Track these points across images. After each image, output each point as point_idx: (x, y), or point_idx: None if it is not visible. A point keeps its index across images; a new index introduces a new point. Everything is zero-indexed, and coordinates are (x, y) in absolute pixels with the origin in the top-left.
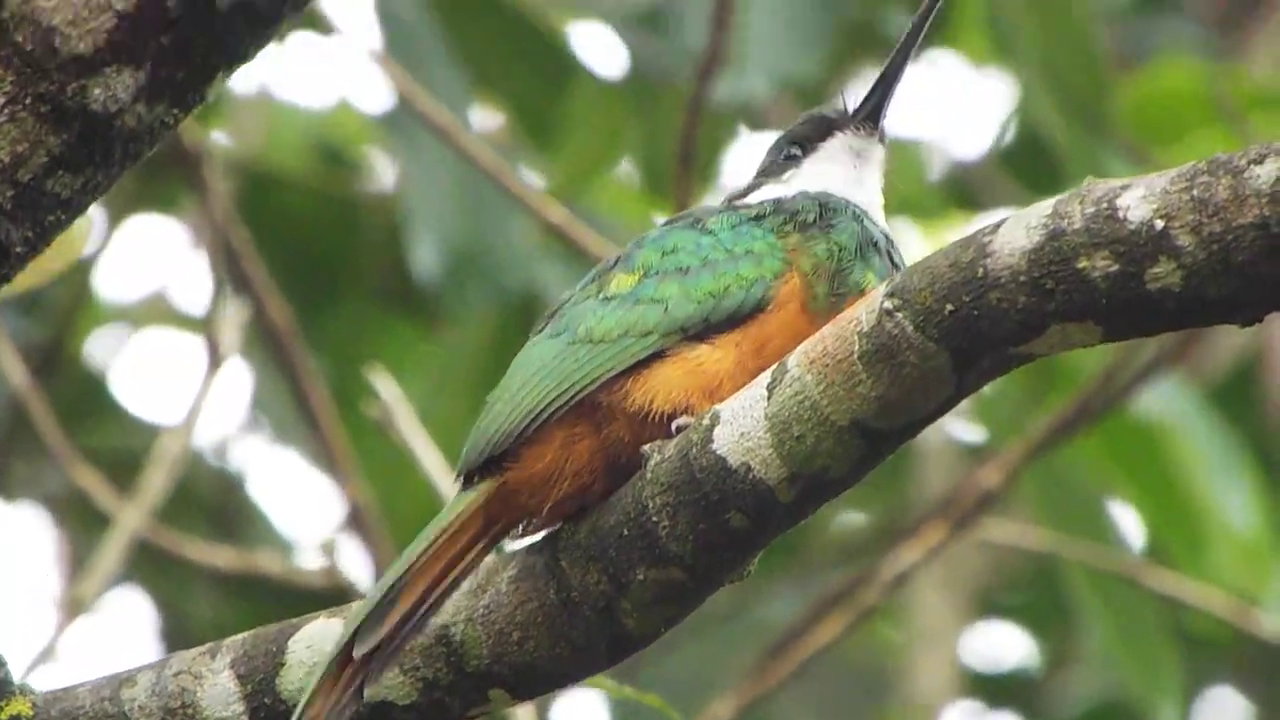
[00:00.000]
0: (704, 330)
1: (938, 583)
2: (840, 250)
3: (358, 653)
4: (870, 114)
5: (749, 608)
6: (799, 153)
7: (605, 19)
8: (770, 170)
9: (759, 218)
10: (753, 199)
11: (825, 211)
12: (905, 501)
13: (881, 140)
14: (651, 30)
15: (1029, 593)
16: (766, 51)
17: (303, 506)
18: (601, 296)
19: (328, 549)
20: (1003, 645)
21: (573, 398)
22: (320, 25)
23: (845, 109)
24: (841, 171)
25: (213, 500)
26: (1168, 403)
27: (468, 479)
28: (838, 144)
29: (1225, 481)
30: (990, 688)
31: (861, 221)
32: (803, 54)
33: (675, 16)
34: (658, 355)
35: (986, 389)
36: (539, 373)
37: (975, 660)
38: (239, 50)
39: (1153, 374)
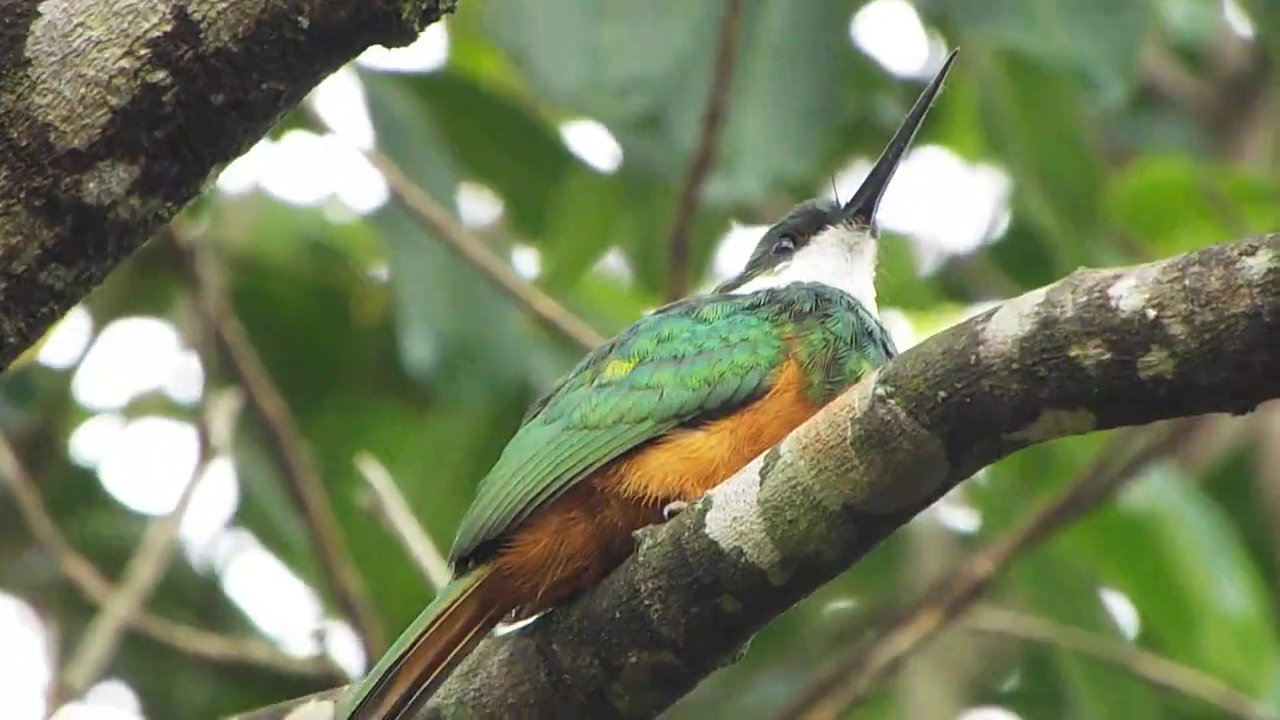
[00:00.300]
0: (699, 417)
1: (930, 670)
2: (836, 339)
3: None
4: (862, 208)
5: (740, 693)
6: (790, 245)
7: (598, 120)
8: (761, 262)
9: (754, 306)
10: (745, 289)
11: (820, 301)
12: (898, 588)
13: (873, 234)
14: (644, 132)
15: (1022, 680)
16: (759, 152)
17: (288, 601)
18: (596, 384)
19: (319, 635)
20: None
21: (568, 483)
22: (312, 124)
23: (837, 202)
24: (832, 264)
25: (199, 595)
26: (1161, 492)
27: (461, 564)
28: (829, 237)
29: (1218, 569)
30: None
31: (856, 311)
32: (795, 155)
33: (668, 118)
34: (652, 441)
35: (980, 476)
36: (534, 459)
37: None
38: (233, 145)
39: (1146, 463)
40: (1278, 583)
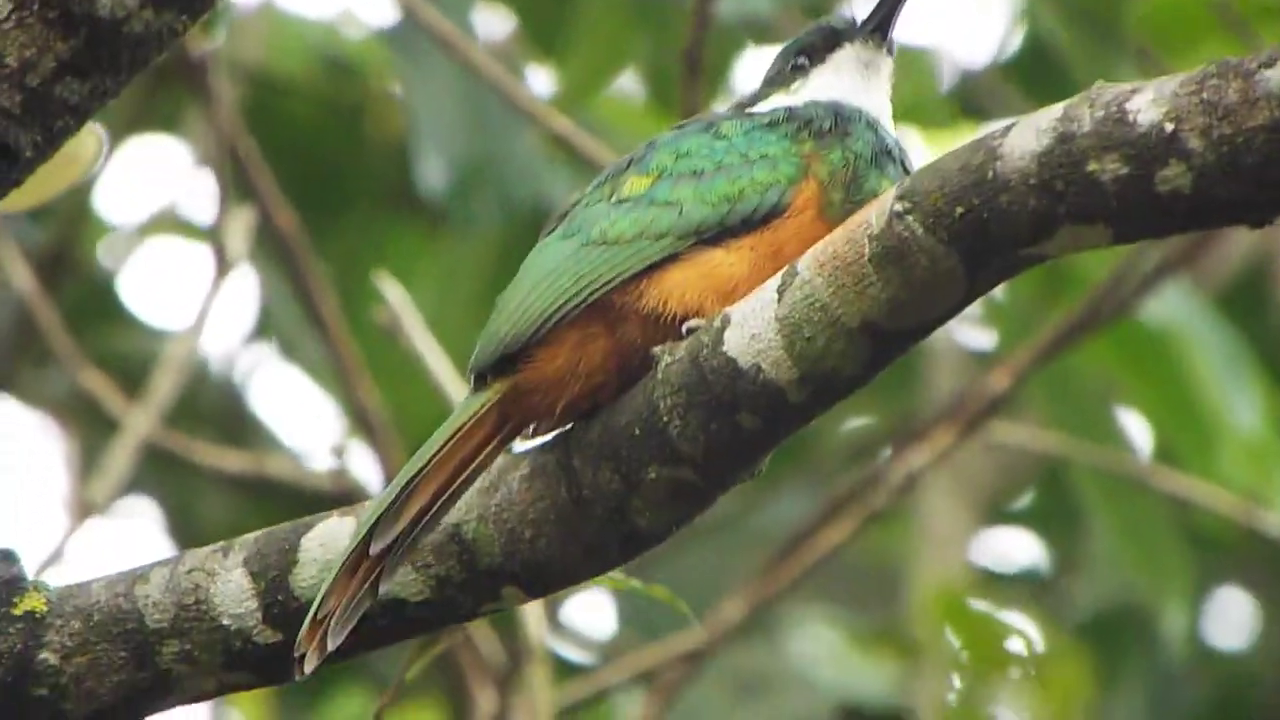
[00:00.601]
0: (719, 234)
1: (946, 486)
2: (855, 158)
3: (374, 549)
4: (879, 25)
5: (759, 510)
6: (805, 63)
7: None
8: (777, 80)
9: (773, 124)
10: (762, 107)
11: (840, 120)
12: (915, 404)
13: (889, 52)
14: None
15: (1037, 496)
16: None
17: (310, 415)
18: (615, 199)
19: (338, 452)
20: (1012, 549)
21: (587, 299)
22: None
23: (853, 19)
24: (849, 82)
25: (219, 410)
26: (1175, 308)
27: (479, 379)
28: (845, 55)
29: (1232, 384)
30: (1000, 588)
31: (876, 129)
32: None
33: None
34: (672, 258)
35: (996, 293)
36: (552, 273)
37: (985, 562)
38: None
39: (1161, 278)
40: None
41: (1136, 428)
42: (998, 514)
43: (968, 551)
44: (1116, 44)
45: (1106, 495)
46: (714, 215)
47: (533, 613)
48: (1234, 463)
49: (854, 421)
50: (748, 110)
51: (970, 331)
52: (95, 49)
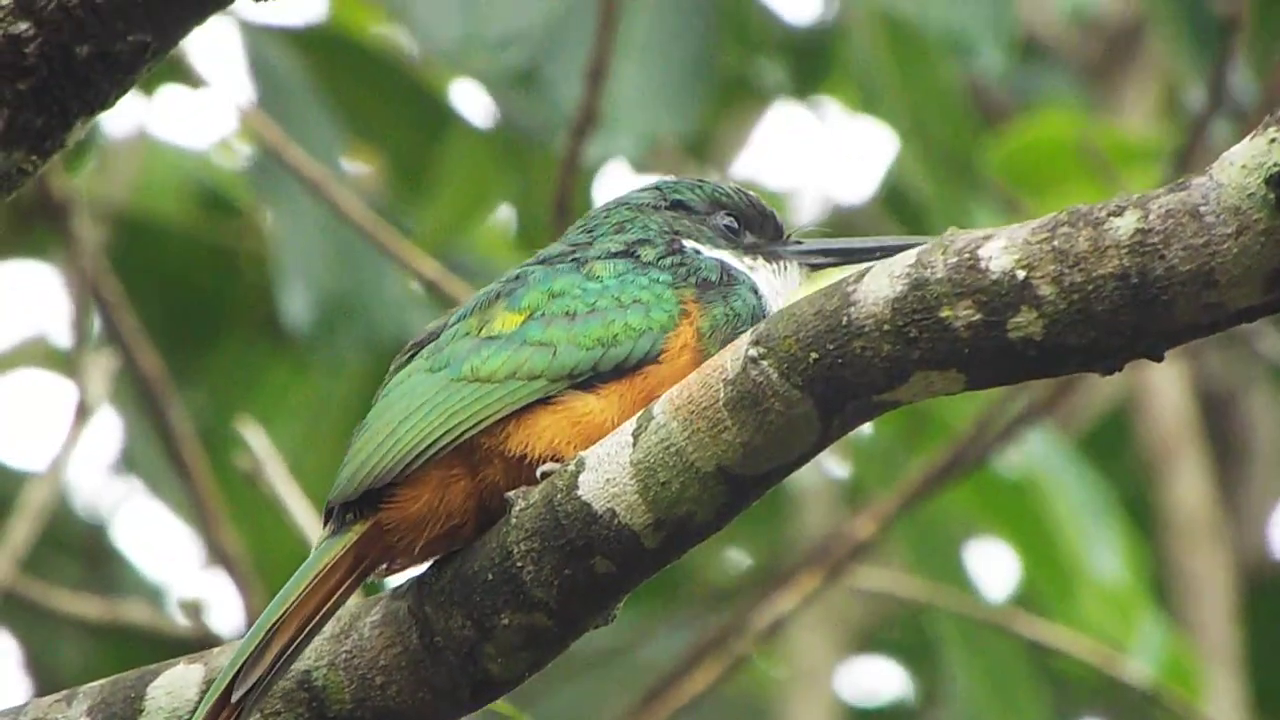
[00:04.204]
0: (591, 379)
1: (813, 623)
2: (735, 317)
3: (237, 694)
4: (817, 265)
5: (636, 646)
6: (735, 229)
7: (476, 77)
8: (711, 229)
9: (646, 265)
10: (695, 246)
11: (726, 276)
12: (784, 542)
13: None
14: (522, 88)
15: (903, 633)
16: (634, 112)
17: (173, 552)
18: (484, 334)
19: (191, 610)
20: (879, 681)
21: (459, 437)
22: (189, 79)
23: (790, 233)
24: (782, 294)
25: (83, 545)
26: (1039, 455)
27: (337, 512)
28: (792, 273)
29: (1094, 532)
30: None
31: (758, 293)
32: (672, 114)
33: (544, 75)
34: (542, 401)
35: (864, 434)
36: (421, 409)
37: (852, 695)
38: (99, 98)
39: (1025, 423)
40: (1153, 539)
41: (1001, 570)
42: (866, 644)
43: (835, 685)
44: (979, 187)
45: (965, 638)
46: (588, 359)
47: None
48: (1095, 610)
49: (724, 558)
50: (685, 242)
51: (840, 467)
52: None
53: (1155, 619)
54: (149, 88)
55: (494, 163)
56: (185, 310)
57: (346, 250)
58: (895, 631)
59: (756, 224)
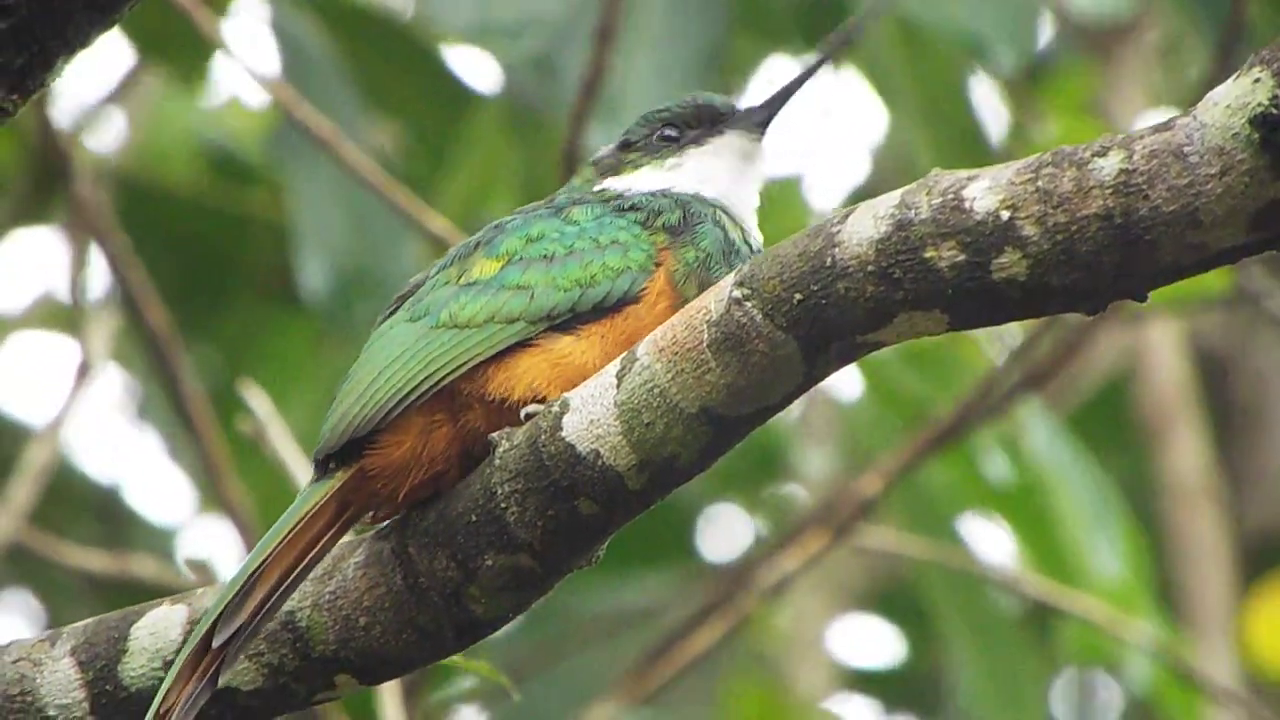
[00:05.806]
0: (571, 320)
1: (813, 584)
2: (706, 256)
3: (217, 641)
4: (764, 119)
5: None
6: (675, 135)
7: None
8: (646, 148)
9: (620, 209)
10: (626, 178)
11: (688, 215)
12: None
13: (765, 147)
14: (534, 72)
15: (899, 596)
16: (642, 99)
17: (182, 506)
18: (463, 281)
19: (199, 569)
20: (876, 641)
21: (439, 382)
22: (212, 46)
23: (734, 106)
24: (727, 170)
25: (94, 499)
26: (1042, 448)
27: (322, 464)
28: (726, 142)
29: (1097, 534)
30: (865, 681)
31: (723, 227)
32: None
33: (558, 60)
34: (522, 345)
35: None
36: (401, 357)
37: (849, 656)
38: (80, 37)
39: (1023, 390)
40: (1153, 527)
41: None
42: (863, 603)
43: (831, 644)
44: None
45: (962, 603)
46: (566, 300)
47: (391, 701)
48: (1097, 610)
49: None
50: (611, 179)
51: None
52: None
53: (1155, 620)
54: (190, 77)
55: (505, 139)
56: (195, 271)
57: (364, 221)
58: (892, 595)
59: (693, 119)
